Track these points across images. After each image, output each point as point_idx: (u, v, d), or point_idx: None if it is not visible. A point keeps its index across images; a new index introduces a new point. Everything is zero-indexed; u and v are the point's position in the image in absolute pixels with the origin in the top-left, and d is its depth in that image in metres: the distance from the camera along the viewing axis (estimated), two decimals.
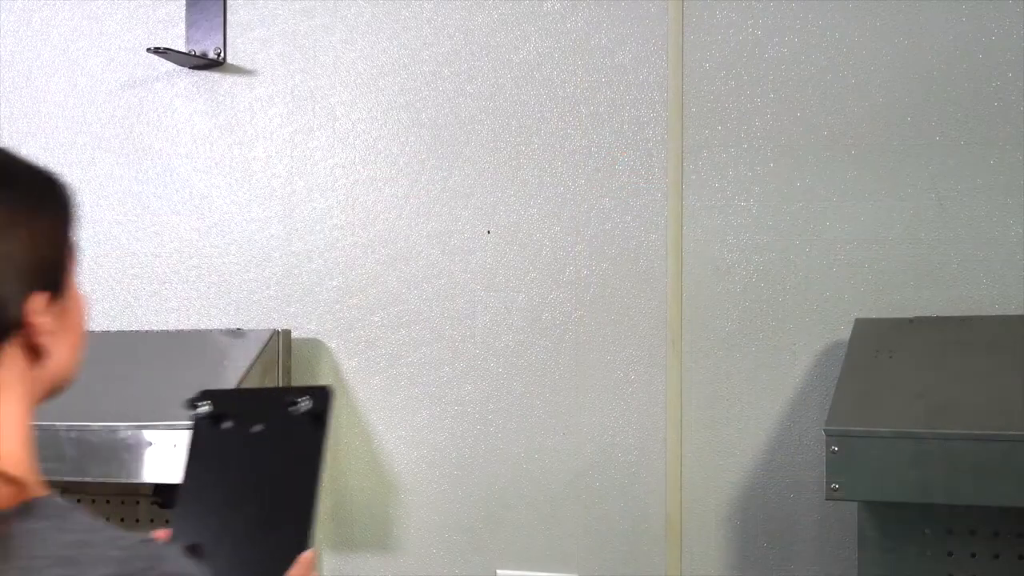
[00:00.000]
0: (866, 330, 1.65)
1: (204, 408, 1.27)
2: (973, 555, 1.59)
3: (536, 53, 1.88)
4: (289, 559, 1.12)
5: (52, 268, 0.97)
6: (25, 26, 2.21)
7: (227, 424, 1.21)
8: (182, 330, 2.05)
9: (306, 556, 1.14)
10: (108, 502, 2.04)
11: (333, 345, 1.98)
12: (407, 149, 1.95)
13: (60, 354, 0.97)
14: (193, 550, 1.11)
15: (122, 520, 2.03)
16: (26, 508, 0.90)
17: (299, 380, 1.96)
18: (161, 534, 1.13)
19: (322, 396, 1.16)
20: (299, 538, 1.15)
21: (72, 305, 0.98)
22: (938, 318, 1.66)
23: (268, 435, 1.18)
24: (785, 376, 1.74)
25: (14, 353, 0.93)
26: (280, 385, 1.92)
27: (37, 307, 0.93)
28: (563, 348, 1.85)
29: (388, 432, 1.95)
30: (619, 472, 1.73)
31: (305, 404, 1.15)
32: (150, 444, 1.74)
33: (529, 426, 1.86)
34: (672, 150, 1.81)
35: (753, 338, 1.76)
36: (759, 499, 1.75)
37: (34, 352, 0.94)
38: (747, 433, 1.76)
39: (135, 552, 0.88)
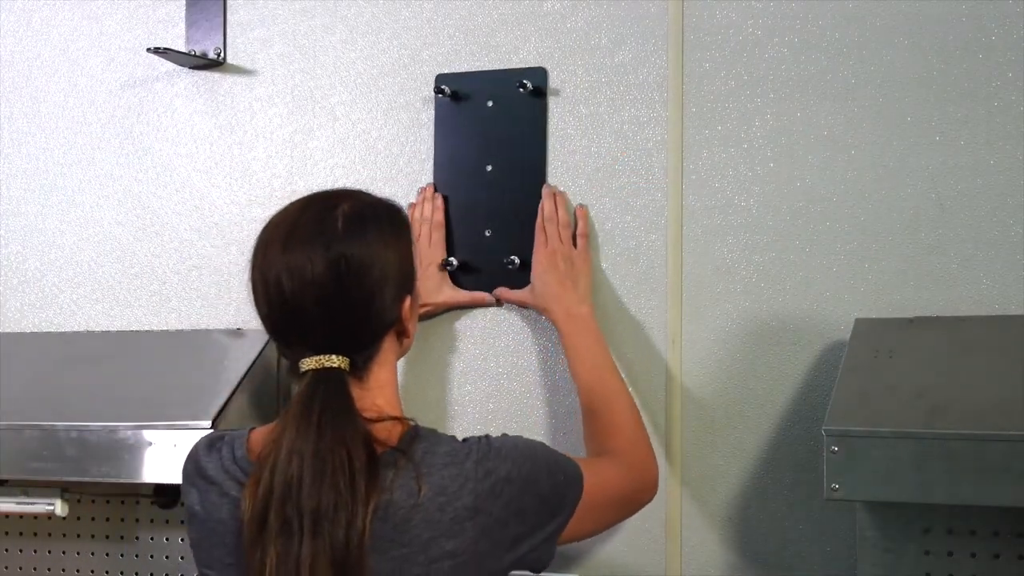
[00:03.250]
0: (866, 330, 1.65)
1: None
2: (973, 555, 1.59)
3: (536, 53, 1.88)
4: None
5: (410, 277, 1.36)
6: (25, 26, 2.21)
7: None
8: (182, 330, 2.05)
9: (546, 186, 1.83)
10: (108, 502, 2.03)
11: None
12: (407, 149, 1.95)
13: (411, 331, 1.38)
14: None
15: (122, 520, 2.03)
16: (412, 434, 1.30)
17: None
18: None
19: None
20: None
21: (416, 297, 1.39)
22: (938, 318, 1.66)
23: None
24: (785, 376, 1.74)
25: (391, 337, 1.35)
26: (279, 386, 1.91)
27: (405, 306, 1.34)
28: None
29: None
30: None
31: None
32: (150, 444, 1.74)
33: (529, 426, 1.86)
34: (672, 150, 1.81)
35: (753, 338, 1.76)
36: (759, 499, 1.75)
37: (399, 334, 1.36)
38: (747, 433, 1.76)
39: (477, 444, 1.32)
